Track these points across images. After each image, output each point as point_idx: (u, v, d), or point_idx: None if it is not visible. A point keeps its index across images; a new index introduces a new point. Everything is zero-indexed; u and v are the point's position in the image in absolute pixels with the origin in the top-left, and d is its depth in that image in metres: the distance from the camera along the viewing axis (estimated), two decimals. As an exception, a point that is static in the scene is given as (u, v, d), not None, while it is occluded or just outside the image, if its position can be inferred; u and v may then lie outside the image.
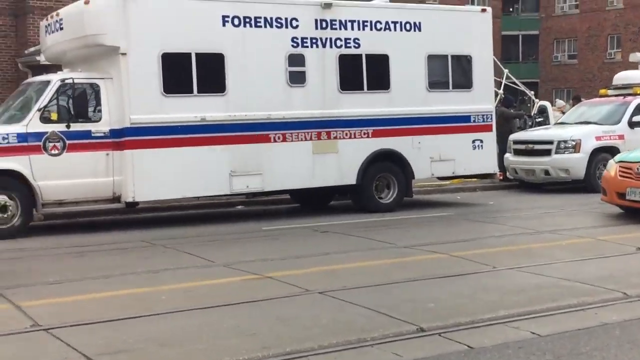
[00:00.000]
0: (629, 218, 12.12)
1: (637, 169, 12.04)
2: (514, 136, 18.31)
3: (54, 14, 12.83)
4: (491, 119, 14.88)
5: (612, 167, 12.61)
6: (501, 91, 30.61)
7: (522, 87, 34.25)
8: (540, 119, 21.40)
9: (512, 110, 21.36)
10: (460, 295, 7.24)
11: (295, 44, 13.04)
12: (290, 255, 9.58)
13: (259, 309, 6.86)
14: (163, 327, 6.31)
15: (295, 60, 13.05)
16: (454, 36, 14.46)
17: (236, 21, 12.58)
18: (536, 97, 35.04)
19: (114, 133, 11.86)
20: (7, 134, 11.38)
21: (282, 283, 7.87)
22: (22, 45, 23.36)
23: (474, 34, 14.72)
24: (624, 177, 12.16)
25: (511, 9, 51.57)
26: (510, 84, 33.26)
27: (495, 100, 26.61)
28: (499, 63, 35.86)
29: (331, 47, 13.33)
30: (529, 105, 34.77)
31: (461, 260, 9.03)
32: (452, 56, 14.47)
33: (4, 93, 21.57)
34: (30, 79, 13.46)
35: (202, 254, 9.70)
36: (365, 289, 7.54)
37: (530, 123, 20.83)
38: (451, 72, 14.46)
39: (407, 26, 14.00)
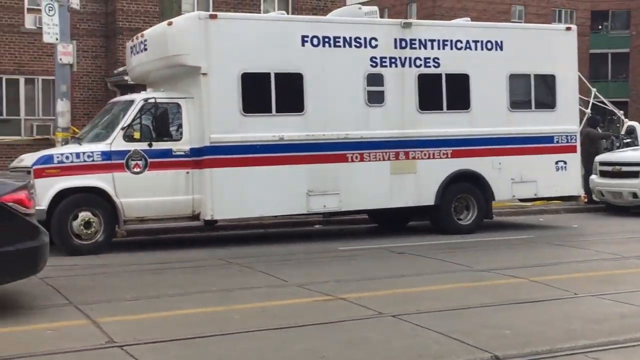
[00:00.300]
0: None
1: None
2: (600, 157, 17.76)
3: (139, 35, 13.17)
4: (575, 139, 14.47)
5: None
6: (588, 110, 29.85)
7: (611, 107, 33.27)
8: (628, 140, 20.72)
9: (599, 131, 20.75)
10: (539, 323, 7.00)
11: (374, 64, 13.01)
12: (365, 277, 9.48)
13: (330, 331, 6.80)
14: (234, 348, 6.31)
15: (374, 79, 13.01)
16: (537, 55, 14.16)
17: (315, 41, 12.63)
18: (626, 117, 34.01)
19: (194, 152, 12.04)
20: (92, 152, 11.69)
21: (355, 305, 7.78)
22: (112, 65, 24.12)
23: (558, 53, 14.39)
24: None
25: (600, 27, 50.31)
26: (599, 104, 32.38)
27: (582, 120, 25.98)
28: (586, 82, 35.03)
29: (410, 66, 13.24)
30: (617, 125, 33.75)
31: (541, 285, 8.76)
32: (535, 75, 14.17)
33: (94, 112, 22.25)
34: (116, 99, 13.83)
35: (276, 273, 9.71)
36: (439, 314, 7.38)
37: (617, 144, 20.17)
38: (534, 91, 14.16)
39: (489, 45, 13.79)
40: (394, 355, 5.98)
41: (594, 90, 31.65)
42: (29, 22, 23.01)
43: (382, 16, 43.63)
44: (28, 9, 23.12)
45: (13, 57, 23.76)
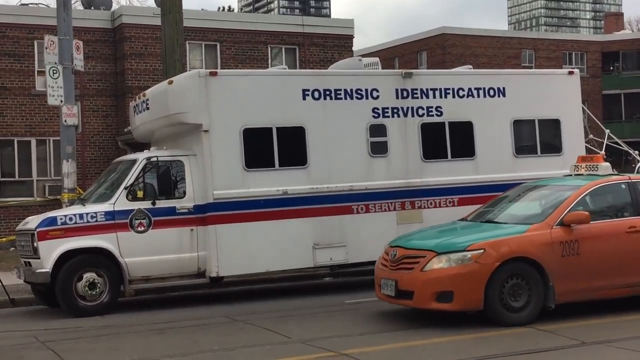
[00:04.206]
0: None
1: (392, 255, 9.79)
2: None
3: (141, 94, 13.31)
4: (584, 183, 14.31)
5: (382, 252, 10.38)
6: (602, 152, 29.71)
7: (625, 147, 33.14)
8: (641, 181, 20.50)
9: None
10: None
11: (376, 115, 13.05)
12: (369, 331, 9.38)
13: (327, 389, 6.69)
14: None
15: (377, 130, 13.04)
16: (540, 100, 14.15)
17: (316, 94, 12.71)
18: (642, 157, 33.81)
19: (198, 209, 12.05)
20: (96, 213, 11.72)
21: (356, 361, 7.68)
22: (122, 124, 24.38)
23: (561, 97, 14.36)
24: (382, 265, 10.04)
25: (612, 68, 50.35)
26: (613, 144, 32.28)
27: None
28: (599, 123, 34.97)
29: (413, 116, 13.28)
30: (633, 165, 33.56)
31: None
32: (540, 120, 14.14)
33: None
34: (119, 158, 13.89)
35: (280, 329, 9.62)
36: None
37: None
38: (539, 136, 14.13)
39: (491, 92, 13.81)
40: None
41: (607, 131, 31.59)
42: (39, 84, 23.38)
43: (392, 66, 43.94)
44: (38, 72, 23.52)
45: (24, 120, 24.13)
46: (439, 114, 13.45)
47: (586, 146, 17.87)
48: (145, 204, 11.86)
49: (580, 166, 10.94)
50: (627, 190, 10.13)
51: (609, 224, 9.84)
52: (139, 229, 11.80)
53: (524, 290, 9.16)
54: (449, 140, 13.48)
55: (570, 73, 14.80)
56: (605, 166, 10.66)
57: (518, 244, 9.24)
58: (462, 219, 11.00)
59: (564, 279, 9.24)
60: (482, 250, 9.08)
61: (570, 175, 11.06)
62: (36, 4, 28.13)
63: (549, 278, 9.18)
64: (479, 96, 13.74)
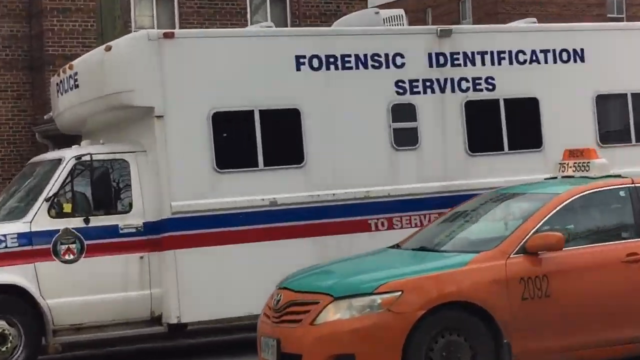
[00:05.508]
0: None
1: (276, 300, 9.10)
2: None
3: (67, 67, 13.34)
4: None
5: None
6: None
7: None
8: None
9: None
10: None
11: (401, 90, 13.15)
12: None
13: None
14: None
15: (403, 112, 13.13)
16: (634, 66, 14.21)
17: (316, 63, 12.80)
18: None
19: (150, 227, 12.14)
20: (5, 236, 11.74)
21: None
22: (40, 108, 24.38)
23: (666, 61, 14.47)
24: (265, 317, 9.36)
25: None
26: None
27: None
28: None
29: (453, 91, 13.38)
30: None
31: None
32: (634, 95, 14.23)
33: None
34: (38, 157, 13.90)
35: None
36: None
37: None
38: (633, 117, 14.21)
39: (564, 56, 13.92)
40: None
41: None
42: None
43: (423, 21, 44.07)
44: None
45: None
46: (490, 87, 13.54)
47: None
48: (76, 222, 11.93)
49: (567, 164, 10.34)
50: (629, 200, 9.46)
51: (597, 250, 9.17)
52: (67, 257, 11.86)
53: (464, 352, 8.50)
54: (505, 125, 13.58)
55: (678, 27, 14.93)
56: (600, 164, 9.96)
57: (454, 282, 8.64)
58: (392, 246, 10.33)
59: (525, 334, 8.65)
60: (398, 293, 8.40)
61: (555, 177, 10.59)
62: None
63: (503, 332, 8.56)
64: (546, 62, 13.84)
